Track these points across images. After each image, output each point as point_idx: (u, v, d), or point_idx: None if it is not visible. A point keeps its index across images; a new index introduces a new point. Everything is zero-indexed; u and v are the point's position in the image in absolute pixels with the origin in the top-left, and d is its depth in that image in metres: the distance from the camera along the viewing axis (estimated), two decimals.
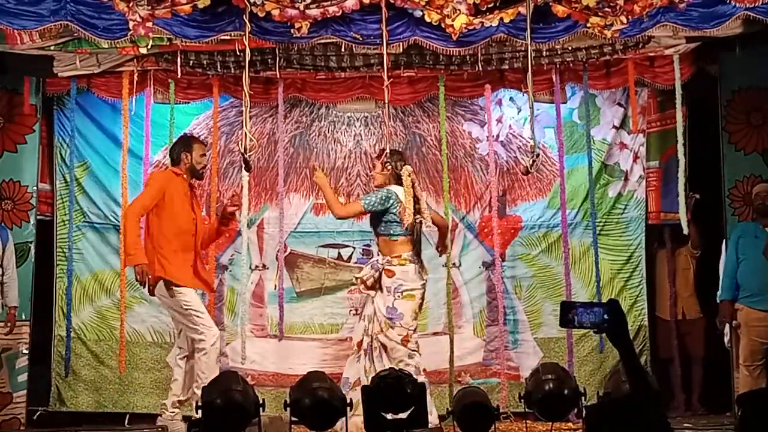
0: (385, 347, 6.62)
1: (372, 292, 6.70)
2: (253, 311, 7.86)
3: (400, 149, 7.49)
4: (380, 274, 6.66)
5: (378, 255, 6.81)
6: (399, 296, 6.60)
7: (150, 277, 6.44)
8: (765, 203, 7.08)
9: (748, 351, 6.99)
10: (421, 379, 6.26)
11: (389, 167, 6.74)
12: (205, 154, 6.87)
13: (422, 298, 6.73)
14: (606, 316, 3.22)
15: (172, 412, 6.64)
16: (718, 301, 7.23)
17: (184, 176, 6.70)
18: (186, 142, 6.85)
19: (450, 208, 7.75)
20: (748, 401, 3.36)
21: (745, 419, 3.29)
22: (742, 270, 7.04)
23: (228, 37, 6.83)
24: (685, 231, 7.46)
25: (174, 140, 7.12)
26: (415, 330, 6.69)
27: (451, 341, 7.51)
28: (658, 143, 7.91)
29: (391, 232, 6.65)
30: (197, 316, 6.52)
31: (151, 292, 6.54)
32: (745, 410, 3.32)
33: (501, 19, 6.61)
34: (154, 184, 6.69)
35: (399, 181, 6.71)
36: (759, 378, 6.95)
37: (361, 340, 6.69)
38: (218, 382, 5.67)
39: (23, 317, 7.19)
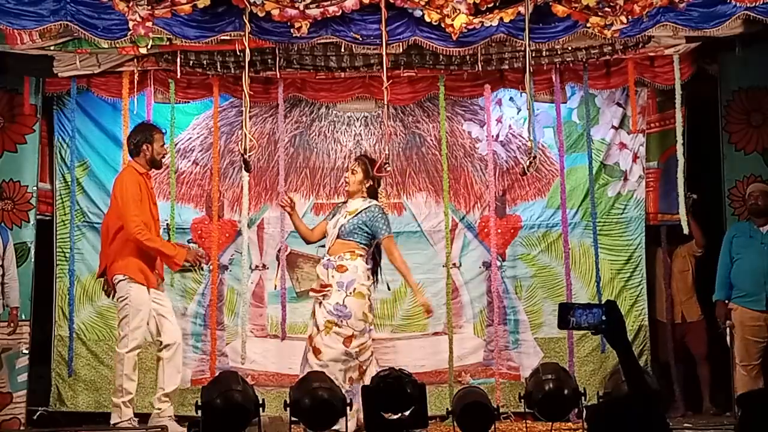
0: (316, 351, 6.61)
1: (328, 291, 6.68)
2: (253, 311, 7.84)
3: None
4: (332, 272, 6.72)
5: (326, 256, 6.86)
6: (351, 293, 6.65)
7: (201, 255, 6.65)
8: (758, 203, 7.10)
9: (744, 350, 7.00)
10: (346, 387, 6.34)
11: (388, 170, 6.86)
12: (164, 143, 6.85)
13: (370, 301, 6.80)
14: (604, 317, 3.21)
15: (159, 409, 6.64)
16: (713, 300, 7.24)
17: (146, 174, 6.69)
18: (145, 132, 6.75)
19: (450, 208, 7.75)
20: (748, 401, 3.37)
21: (745, 419, 3.30)
22: (736, 269, 7.05)
23: (228, 37, 6.83)
24: (686, 231, 7.46)
25: (133, 129, 6.96)
26: (365, 334, 6.72)
27: (450, 341, 7.52)
28: (658, 143, 7.91)
29: (362, 241, 6.79)
30: (129, 316, 6.54)
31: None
32: (745, 410, 3.32)
33: (501, 18, 6.62)
34: (131, 188, 6.56)
35: (373, 192, 6.82)
36: (757, 377, 6.96)
37: None
38: (218, 382, 5.69)
39: (23, 317, 7.19)
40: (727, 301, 7.13)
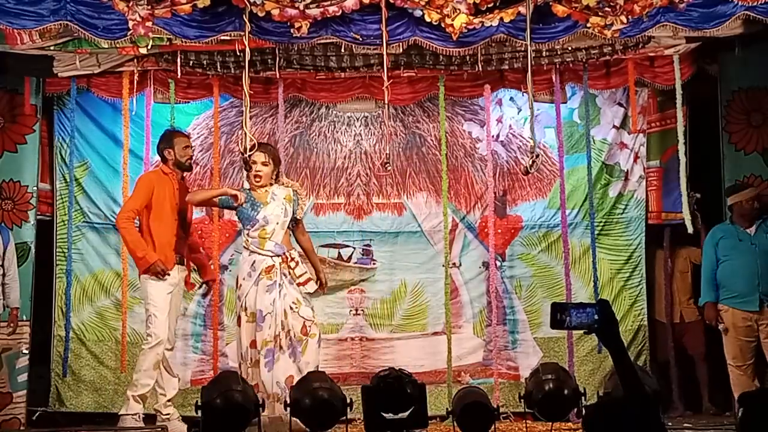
0: (301, 344, 6.51)
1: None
2: None
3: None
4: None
5: (282, 248, 6.63)
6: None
7: (164, 268, 6.56)
8: (743, 206, 7.09)
9: (738, 351, 6.99)
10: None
11: (388, 170, 6.86)
12: (189, 146, 6.88)
13: None
14: (596, 317, 3.20)
15: (168, 414, 6.67)
16: (699, 304, 7.23)
17: (173, 174, 6.75)
18: (167, 138, 6.85)
19: (450, 208, 7.76)
20: (750, 401, 3.37)
21: (746, 419, 3.30)
22: (725, 271, 7.03)
23: (228, 37, 6.83)
24: (690, 230, 7.45)
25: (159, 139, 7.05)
26: None
27: (449, 341, 7.52)
28: (659, 143, 7.91)
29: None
30: (153, 315, 6.59)
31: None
32: (746, 410, 3.32)
33: (501, 19, 6.61)
34: (142, 185, 6.72)
35: (276, 177, 6.73)
36: (752, 376, 6.96)
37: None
38: (218, 382, 5.68)
39: (23, 317, 7.18)
40: (717, 303, 7.11)
